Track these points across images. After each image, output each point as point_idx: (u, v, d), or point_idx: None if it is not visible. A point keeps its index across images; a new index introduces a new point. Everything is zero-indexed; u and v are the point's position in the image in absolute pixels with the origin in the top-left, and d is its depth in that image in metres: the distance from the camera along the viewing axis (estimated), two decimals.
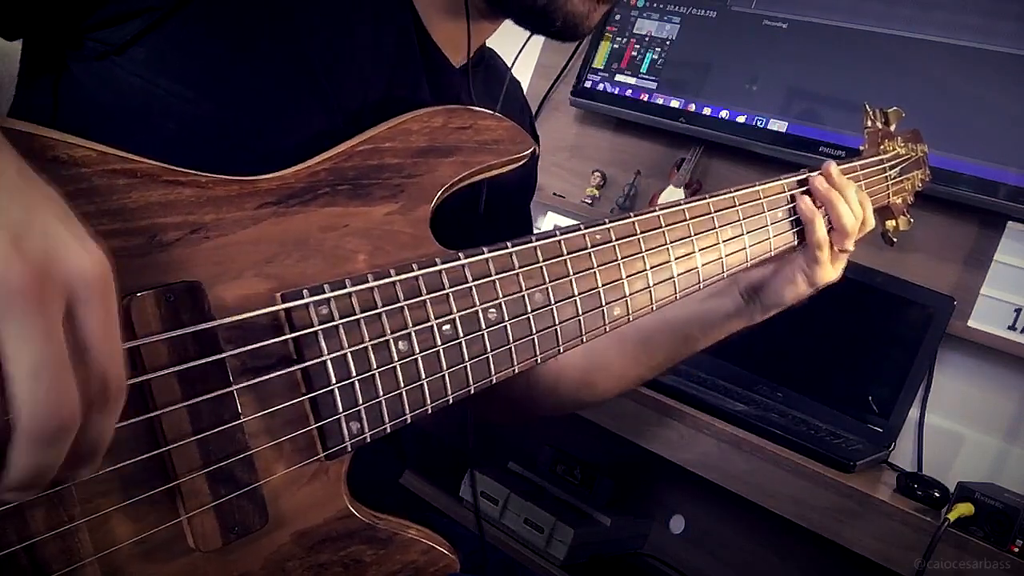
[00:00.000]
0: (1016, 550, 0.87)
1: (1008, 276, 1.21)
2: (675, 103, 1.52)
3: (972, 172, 1.22)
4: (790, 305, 0.77)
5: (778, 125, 1.41)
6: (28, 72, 0.61)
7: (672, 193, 1.51)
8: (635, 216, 0.63)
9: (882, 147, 0.84)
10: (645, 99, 1.55)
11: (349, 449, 0.51)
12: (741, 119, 1.45)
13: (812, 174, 0.75)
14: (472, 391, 0.56)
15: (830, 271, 0.76)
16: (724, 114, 1.47)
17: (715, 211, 0.68)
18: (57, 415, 0.33)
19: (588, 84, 1.62)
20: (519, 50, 0.72)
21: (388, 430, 0.52)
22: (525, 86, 1.71)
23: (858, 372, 1.25)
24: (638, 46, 1.58)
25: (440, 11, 0.68)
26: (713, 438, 1.04)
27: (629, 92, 1.57)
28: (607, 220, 0.62)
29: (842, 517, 0.95)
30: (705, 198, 0.68)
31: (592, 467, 1.38)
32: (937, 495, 0.98)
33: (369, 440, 0.52)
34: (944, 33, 1.29)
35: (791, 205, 0.74)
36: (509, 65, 0.76)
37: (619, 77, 1.59)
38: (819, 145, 1.36)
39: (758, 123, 1.43)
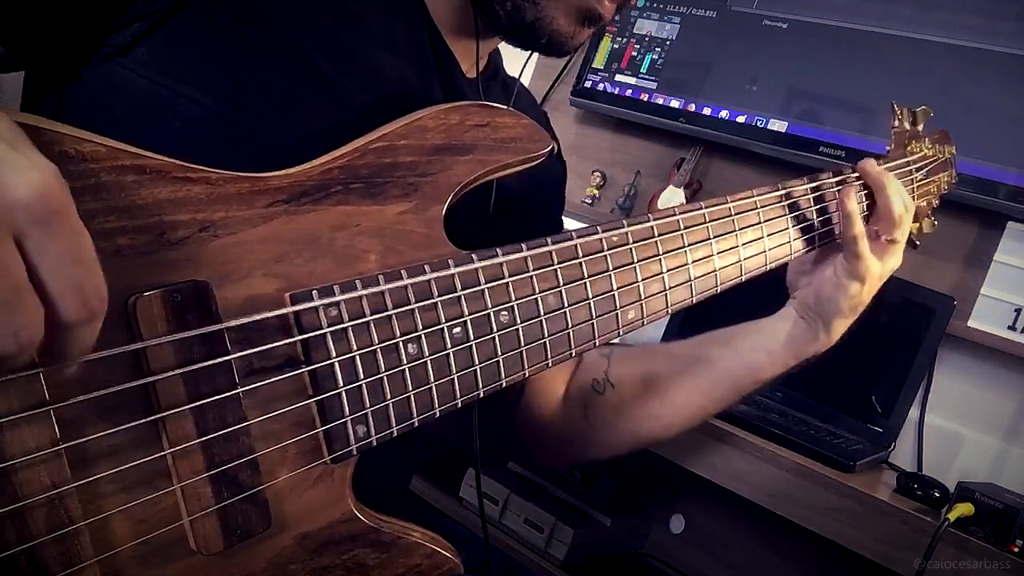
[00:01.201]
0: (1016, 550, 0.88)
1: (1008, 276, 1.21)
2: (675, 103, 1.52)
3: (972, 172, 1.22)
4: (849, 312, 0.73)
5: (778, 125, 1.41)
6: (32, 93, 0.60)
7: (672, 193, 1.50)
8: (654, 219, 0.62)
9: (909, 148, 0.82)
10: (645, 99, 1.55)
11: (355, 453, 0.51)
12: (741, 119, 1.44)
13: (832, 178, 0.74)
14: (481, 395, 0.55)
15: (874, 264, 0.71)
16: (724, 114, 1.46)
17: (735, 213, 0.67)
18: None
19: (588, 84, 1.61)
20: (529, 55, 0.72)
21: (395, 434, 0.52)
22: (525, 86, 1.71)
23: (858, 372, 1.25)
24: (638, 46, 1.58)
25: (448, 25, 0.69)
26: (713, 438, 1.04)
27: (629, 92, 1.57)
28: (625, 222, 0.60)
29: (842, 517, 0.95)
30: (726, 200, 0.66)
31: (592, 467, 1.37)
32: (937, 495, 0.98)
33: (375, 444, 0.51)
34: (944, 33, 1.29)
35: (812, 207, 0.72)
36: (521, 66, 0.77)
37: (619, 77, 1.59)
38: (819, 145, 1.35)
39: (758, 123, 1.43)
